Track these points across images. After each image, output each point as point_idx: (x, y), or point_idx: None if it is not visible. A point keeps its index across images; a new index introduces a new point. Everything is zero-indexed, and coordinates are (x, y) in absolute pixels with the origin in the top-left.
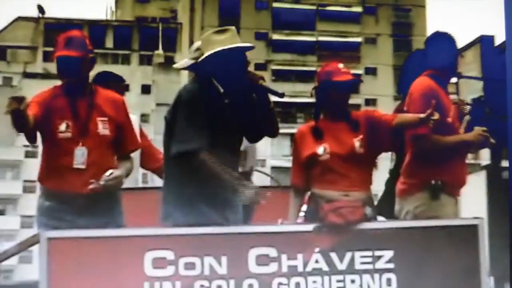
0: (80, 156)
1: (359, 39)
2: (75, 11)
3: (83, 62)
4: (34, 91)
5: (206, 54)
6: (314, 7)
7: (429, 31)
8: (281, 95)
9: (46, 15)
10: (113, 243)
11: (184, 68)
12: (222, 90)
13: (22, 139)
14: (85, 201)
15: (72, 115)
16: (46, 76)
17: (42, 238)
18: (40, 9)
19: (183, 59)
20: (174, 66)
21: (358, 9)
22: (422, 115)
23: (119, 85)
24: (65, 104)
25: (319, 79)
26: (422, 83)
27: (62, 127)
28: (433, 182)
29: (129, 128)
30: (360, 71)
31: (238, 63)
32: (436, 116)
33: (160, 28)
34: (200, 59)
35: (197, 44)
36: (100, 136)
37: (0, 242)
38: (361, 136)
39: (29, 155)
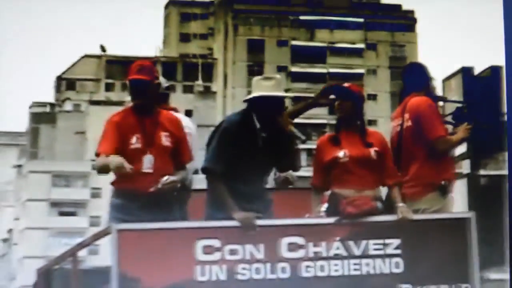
0: (147, 162)
1: (362, 70)
2: (131, 49)
3: (151, 85)
4: (97, 115)
5: (251, 95)
6: (325, 44)
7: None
8: (304, 141)
9: (107, 53)
10: (171, 233)
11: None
12: (258, 126)
13: (89, 155)
14: (150, 199)
15: (141, 130)
16: (108, 103)
17: (113, 230)
18: (102, 48)
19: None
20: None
21: (361, 45)
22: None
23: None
24: (135, 122)
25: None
26: (425, 100)
27: (133, 140)
28: (443, 182)
29: (185, 143)
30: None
31: (276, 107)
32: None
33: (200, 63)
34: (245, 98)
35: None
36: (163, 146)
37: (73, 237)
38: (376, 149)
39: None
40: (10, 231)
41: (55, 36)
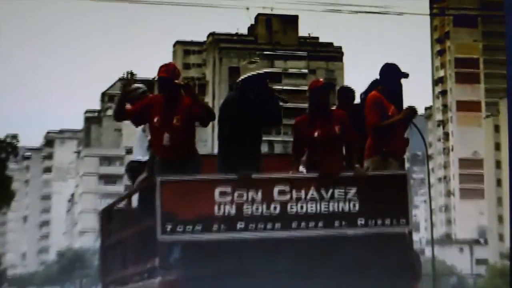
0: (166, 138)
1: (305, 88)
2: (150, 74)
3: (172, 81)
4: None
5: (244, 76)
6: (281, 70)
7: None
8: (286, 101)
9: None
10: (198, 183)
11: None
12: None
13: (124, 144)
14: (171, 163)
15: (160, 114)
16: None
17: (157, 181)
18: (131, 73)
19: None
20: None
21: (305, 71)
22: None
23: None
24: (158, 107)
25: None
26: (371, 95)
27: (155, 120)
28: (384, 149)
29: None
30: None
31: (265, 79)
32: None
33: (196, 83)
34: (240, 79)
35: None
36: (175, 126)
37: (114, 199)
38: (339, 126)
39: (128, 152)
40: (72, 194)
41: (100, 64)
